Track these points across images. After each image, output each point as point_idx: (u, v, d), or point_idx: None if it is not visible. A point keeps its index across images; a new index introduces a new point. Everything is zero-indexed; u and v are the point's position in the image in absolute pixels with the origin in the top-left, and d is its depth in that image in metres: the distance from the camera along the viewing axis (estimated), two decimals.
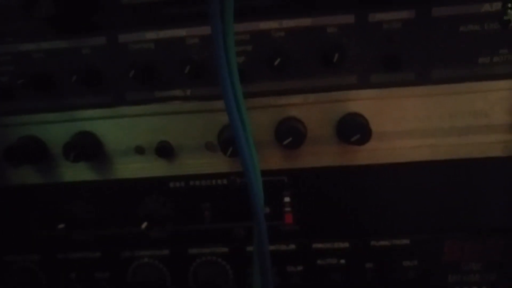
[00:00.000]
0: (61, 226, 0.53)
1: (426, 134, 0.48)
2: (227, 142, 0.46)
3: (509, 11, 0.44)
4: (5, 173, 0.53)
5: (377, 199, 0.51)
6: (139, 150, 0.51)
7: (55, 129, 0.51)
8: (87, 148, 0.49)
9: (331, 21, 0.46)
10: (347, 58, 0.46)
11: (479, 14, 0.44)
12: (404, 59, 0.46)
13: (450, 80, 0.46)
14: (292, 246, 0.54)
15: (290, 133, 0.46)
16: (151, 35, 0.48)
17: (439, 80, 0.46)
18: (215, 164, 0.51)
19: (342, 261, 0.54)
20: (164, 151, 0.50)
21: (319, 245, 0.54)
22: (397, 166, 0.49)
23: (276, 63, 0.45)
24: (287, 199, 0.51)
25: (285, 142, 0.46)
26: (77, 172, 0.52)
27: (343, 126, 0.47)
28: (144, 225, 0.51)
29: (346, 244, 0.54)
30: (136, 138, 0.51)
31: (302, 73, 0.47)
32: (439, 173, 0.49)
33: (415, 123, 0.48)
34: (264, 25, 0.47)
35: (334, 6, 0.46)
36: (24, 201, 0.54)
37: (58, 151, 0.51)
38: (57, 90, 0.50)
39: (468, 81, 0.46)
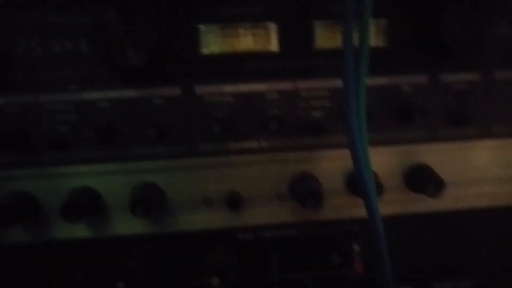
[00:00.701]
0: (121, 284, 0.49)
1: (484, 183, 0.52)
2: (308, 193, 0.46)
3: None
4: (54, 226, 0.49)
5: (440, 244, 0.54)
6: (207, 201, 0.50)
7: (114, 180, 0.48)
8: (153, 201, 0.47)
9: (406, 80, 0.49)
10: (419, 114, 0.49)
11: None
12: (469, 116, 0.49)
13: (508, 135, 0.50)
14: None
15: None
16: (229, 88, 0.48)
17: (498, 134, 0.50)
18: (284, 214, 0.51)
19: None
20: (234, 202, 0.49)
21: None
22: (458, 213, 0.52)
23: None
24: (357, 248, 0.52)
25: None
26: (135, 225, 0.50)
27: (416, 177, 0.49)
28: (215, 281, 0.49)
29: None
30: (204, 189, 0.50)
31: (377, 127, 0.49)
32: (497, 218, 0.53)
33: (475, 173, 0.52)
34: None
35: (408, 67, 0.49)
36: (77, 257, 0.50)
37: (115, 203, 0.49)
38: (121, 140, 0.48)
39: None
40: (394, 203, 0.51)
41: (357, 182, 0.41)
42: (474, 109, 0.49)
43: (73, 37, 0.46)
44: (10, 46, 0.45)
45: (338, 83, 0.48)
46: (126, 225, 0.49)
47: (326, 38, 0.48)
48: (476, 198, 0.52)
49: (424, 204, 0.52)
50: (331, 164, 0.50)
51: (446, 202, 0.52)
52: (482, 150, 0.51)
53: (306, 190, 0.47)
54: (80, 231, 0.49)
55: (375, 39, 0.48)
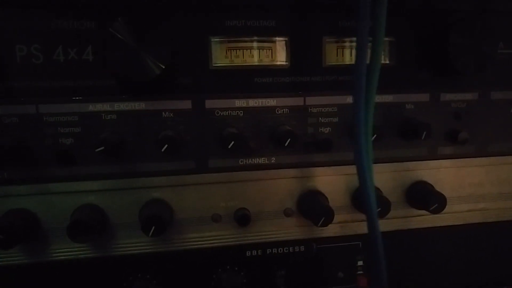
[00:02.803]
0: None
1: (478, 199, 0.54)
2: (322, 212, 0.46)
3: None
4: (55, 246, 0.46)
5: (439, 258, 0.55)
6: (216, 218, 0.48)
7: (121, 197, 0.46)
8: (164, 220, 0.45)
9: (409, 99, 0.50)
10: (418, 132, 0.50)
11: None
12: (467, 134, 0.51)
13: (503, 153, 0.53)
14: None
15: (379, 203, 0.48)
16: (240, 102, 0.47)
17: (493, 152, 0.53)
18: (291, 230, 0.51)
19: None
20: (243, 218, 0.48)
21: None
22: (454, 228, 0.54)
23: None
24: (360, 263, 0.53)
25: None
26: (141, 243, 0.47)
27: (417, 194, 0.51)
28: None
29: None
30: (214, 206, 0.48)
31: (379, 144, 0.50)
32: (490, 234, 0.56)
33: (470, 189, 0.54)
34: (351, 99, 0.49)
35: (411, 86, 0.50)
36: (81, 279, 0.47)
37: (121, 221, 0.46)
38: (128, 155, 0.46)
39: None
40: (394, 219, 0.53)
41: (361, 197, 0.41)
42: (471, 127, 0.52)
43: (77, 44, 0.43)
44: (8, 52, 0.42)
45: (347, 99, 0.49)
46: (133, 244, 0.47)
47: (335, 54, 0.49)
48: (470, 214, 0.54)
49: (422, 219, 0.53)
50: (337, 181, 0.51)
51: (442, 218, 0.53)
52: (477, 168, 0.53)
53: (319, 208, 0.47)
54: (83, 251, 0.46)
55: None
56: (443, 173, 0.53)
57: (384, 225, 0.52)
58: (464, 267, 0.57)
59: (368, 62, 0.39)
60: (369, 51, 0.39)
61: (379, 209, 0.47)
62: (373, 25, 0.39)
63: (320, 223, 0.46)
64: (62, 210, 0.44)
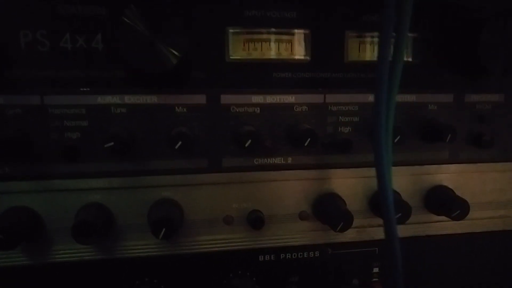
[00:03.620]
0: None
1: (499, 206, 0.52)
2: (341, 217, 0.44)
3: None
4: (59, 247, 0.43)
5: (458, 266, 0.53)
6: (228, 220, 0.46)
7: (129, 196, 0.43)
8: (175, 221, 0.42)
9: (432, 99, 0.48)
10: (442, 135, 0.48)
11: None
12: (491, 138, 0.49)
13: None
14: None
15: (399, 208, 0.46)
16: (257, 98, 0.44)
17: None
18: (306, 234, 0.48)
19: None
20: (257, 220, 0.46)
21: None
22: (474, 236, 0.52)
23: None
24: (376, 270, 0.51)
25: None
26: (149, 246, 0.45)
27: (438, 199, 0.49)
28: None
29: None
30: (226, 207, 0.46)
31: (402, 145, 0.48)
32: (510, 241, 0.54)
33: (491, 195, 0.52)
34: (372, 98, 0.46)
35: (434, 86, 0.48)
36: (85, 281, 0.44)
37: (128, 221, 0.44)
38: (137, 151, 0.43)
39: None
40: (412, 224, 0.50)
41: (380, 200, 0.39)
42: (496, 130, 0.49)
43: (86, 31, 0.40)
44: (12, 37, 0.39)
45: (368, 98, 0.47)
46: (140, 246, 0.44)
47: (358, 50, 0.46)
48: (491, 221, 0.52)
49: (440, 226, 0.51)
50: (355, 183, 0.48)
51: (462, 224, 0.51)
52: (500, 173, 0.51)
53: (337, 212, 0.44)
54: (88, 252, 0.43)
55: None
56: (464, 178, 0.51)
57: (402, 230, 0.50)
58: (483, 276, 0.55)
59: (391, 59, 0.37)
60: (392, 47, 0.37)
61: (399, 214, 0.45)
62: (398, 20, 0.37)
63: (339, 228, 0.44)
64: (66, 209, 0.42)
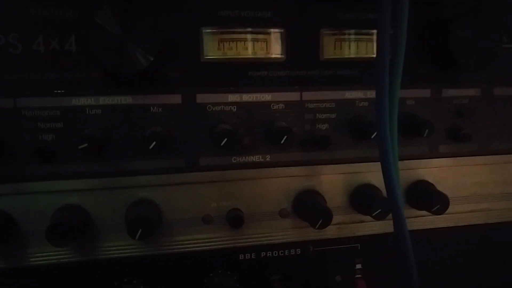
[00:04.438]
0: None
1: (481, 200, 0.52)
2: (320, 213, 0.44)
3: None
4: (34, 250, 0.43)
5: (440, 260, 0.53)
6: (207, 220, 0.46)
7: (106, 197, 0.43)
8: (153, 222, 0.42)
9: (409, 94, 0.48)
10: (420, 130, 0.48)
11: None
12: (469, 131, 0.49)
13: (506, 151, 0.51)
14: None
15: (376, 203, 0.46)
16: (233, 97, 0.44)
17: (497, 150, 0.51)
18: (287, 232, 0.48)
19: None
20: (236, 219, 0.45)
21: None
22: (455, 230, 0.52)
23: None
24: (359, 266, 0.51)
25: (375, 214, 0.45)
26: (127, 247, 0.45)
27: (419, 194, 0.49)
28: None
29: None
30: (205, 206, 0.46)
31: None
32: (492, 235, 0.54)
33: (472, 189, 0.52)
34: (349, 94, 0.47)
35: (412, 82, 0.48)
36: (62, 284, 0.44)
37: (105, 222, 0.44)
38: (113, 152, 0.43)
39: None
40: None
41: (388, 195, 0.39)
42: (474, 125, 0.50)
43: (59, 34, 0.40)
44: None
45: (345, 94, 0.47)
46: (118, 247, 0.44)
47: (333, 47, 0.46)
48: (473, 214, 0.52)
49: (422, 220, 0.51)
50: (335, 180, 0.48)
51: (444, 219, 0.51)
52: (480, 166, 0.51)
53: (317, 209, 0.44)
54: (66, 255, 0.43)
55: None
56: (444, 172, 0.51)
57: (383, 226, 0.50)
58: (466, 269, 0.54)
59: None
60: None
61: (379, 210, 0.45)
62: (395, 16, 0.37)
63: (318, 225, 0.44)
64: (41, 211, 0.41)
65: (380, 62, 0.36)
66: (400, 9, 0.36)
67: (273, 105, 0.45)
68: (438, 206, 0.47)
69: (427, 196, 0.48)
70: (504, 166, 0.52)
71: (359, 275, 0.51)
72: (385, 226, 0.50)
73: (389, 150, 0.38)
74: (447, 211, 0.49)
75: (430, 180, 0.50)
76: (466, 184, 0.52)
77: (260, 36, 0.45)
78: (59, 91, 0.41)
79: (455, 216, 0.52)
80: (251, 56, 0.45)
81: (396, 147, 0.39)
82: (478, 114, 0.50)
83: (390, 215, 0.45)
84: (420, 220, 0.51)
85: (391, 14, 0.36)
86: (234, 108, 0.45)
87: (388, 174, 0.38)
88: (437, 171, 0.50)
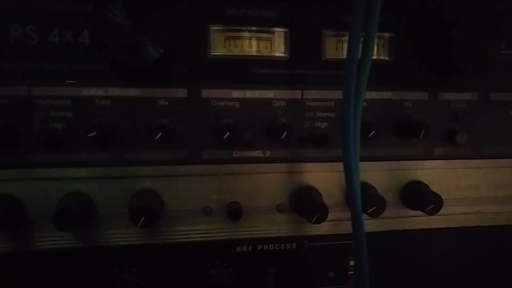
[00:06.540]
0: None
1: (474, 202, 0.54)
2: (316, 209, 0.45)
3: None
4: (41, 234, 0.44)
5: (432, 261, 0.55)
6: (207, 211, 0.47)
7: (111, 186, 0.45)
8: (155, 211, 0.44)
9: (407, 97, 0.49)
10: (416, 131, 0.50)
11: None
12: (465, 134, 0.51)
13: (500, 156, 0.52)
14: None
15: (374, 201, 0.47)
16: (237, 93, 0.46)
17: (491, 155, 0.52)
18: (283, 226, 0.50)
19: None
20: (235, 212, 0.47)
21: None
22: (448, 231, 0.54)
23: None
24: (352, 263, 0.52)
25: (369, 211, 0.47)
26: (129, 235, 0.46)
27: (413, 194, 0.50)
28: None
29: None
30: (205, 198, 0.47)
31: (375, 142, 0.49)
32: (484, 238, 0.55)
33: (465, 191, 0.53)
34: None
35: (410, 84, 0.49)
36: (66, 269, 0.46)
37: (109, 210, 0.45)
38: (120, 142, 0.44)
39: None
40: (388, 219, 0.52)
41: (348, 194, 0.42)
42: (470, 129, 0.51)
43: (73, 27, 0.42)
44: (2, 31, 0.41)
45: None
46: (120, 234, 0.46)
47: (335, 48, 0.48)
48: (465, 217, 0.54)
49: (416, 221, 0.53)
50: (332, 177, 0.50)
51: (437, 220, 0.53)
52: (474, 170, 0.53)
53: (313, 205, 0.46)
54: (70, 240, 0.45)
55: (379, 52, 0.49)
56: (439, 174, 0.52)
57: (377, 224, 0.51)
58: (457, 271, 0.56)
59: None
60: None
61: (374, 207, 0.47)
62: (367, 19, 0.39)
63: (314, 220, 0.45)
64: (49, 197, 0.43)
65: (350, 63, 0.39)
66: (372, 13, 0.38)
67: (275, 102, 0.47)
68: (432, 206, 0.48)
69: (421, 196, 0.49)
70: (497, 170, 0.53)
71: (352, 272, 0.52)
72: (379, 224, 0.52)
73: (351, 150, 0.40)
74: (440, 213, 0.50)
75: (425, 181, 0.52)
76: (460, 186, 0.53)
77: (265, 35, 0.47)
78: (70, 82, 0.43)
79: (448, 217, 0.53)
80: (255, 54, 0.46)
81: (358, 147, 0.41)
82: (474, 118, 0.51)
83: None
84: (414, 220, 0.52)
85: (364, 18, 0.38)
86: (237, 104, 0.46)
87: (349, 175, 0.40)
88: (432, 172, 0.52)
